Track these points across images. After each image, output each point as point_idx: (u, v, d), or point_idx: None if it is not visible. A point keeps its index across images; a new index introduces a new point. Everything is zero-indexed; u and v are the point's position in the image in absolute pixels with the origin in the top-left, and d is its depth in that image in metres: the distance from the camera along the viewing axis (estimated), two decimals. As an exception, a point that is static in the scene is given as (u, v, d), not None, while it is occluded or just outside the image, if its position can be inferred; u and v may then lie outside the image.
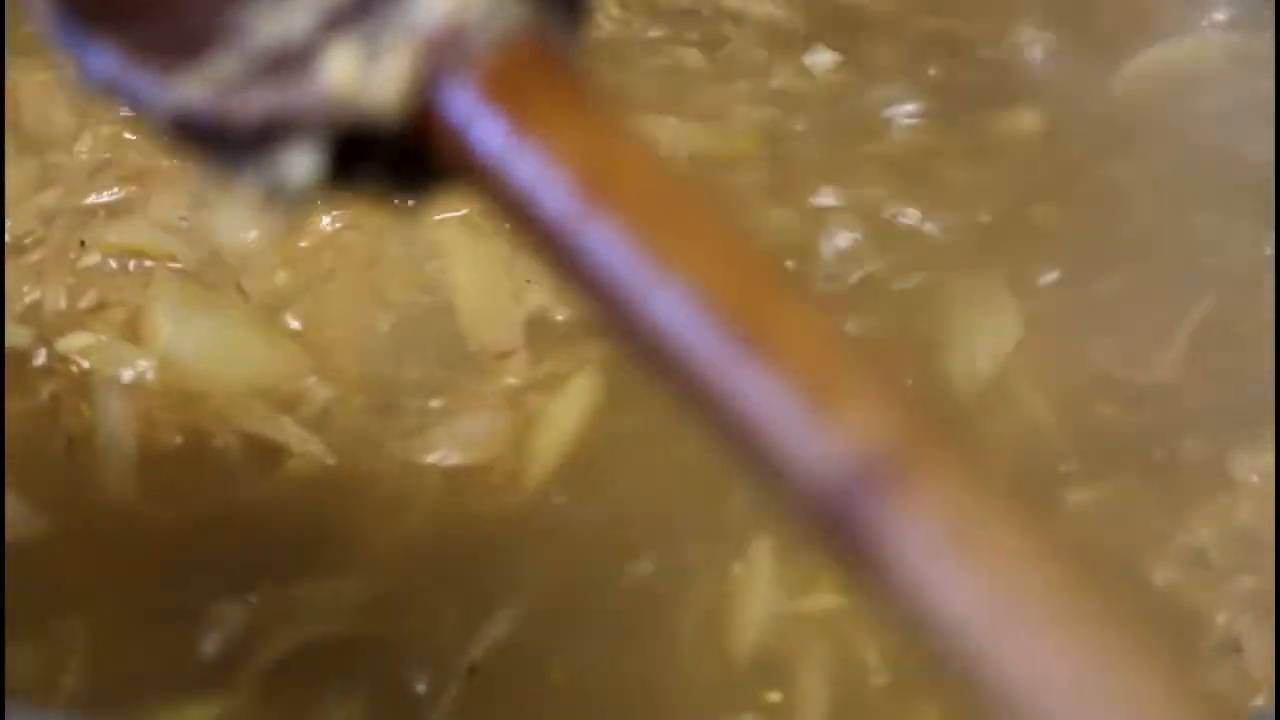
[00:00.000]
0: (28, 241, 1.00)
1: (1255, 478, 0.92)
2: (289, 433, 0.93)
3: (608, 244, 0.50)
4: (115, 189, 1.02)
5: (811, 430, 0.48)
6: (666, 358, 0.50)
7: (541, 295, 0.98)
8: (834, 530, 0.48)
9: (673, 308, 0.49)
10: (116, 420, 0.92)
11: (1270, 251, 1.05)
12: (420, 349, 0.97)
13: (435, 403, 0.94)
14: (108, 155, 1.04)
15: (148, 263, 0.99)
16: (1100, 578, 0.48)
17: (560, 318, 0.97)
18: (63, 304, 0.97)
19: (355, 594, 0.87)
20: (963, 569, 0.47)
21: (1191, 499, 0.92)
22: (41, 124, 1.05)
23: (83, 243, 0.99)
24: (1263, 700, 0.85)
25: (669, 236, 0.50)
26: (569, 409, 0.94)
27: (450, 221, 1.02)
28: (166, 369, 0.94)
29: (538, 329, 0.97)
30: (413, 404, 0.94)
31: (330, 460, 0.91)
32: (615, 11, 1.14)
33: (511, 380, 0.95)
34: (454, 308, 0.99)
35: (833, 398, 0.48)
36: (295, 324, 0.97)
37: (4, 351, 0.96)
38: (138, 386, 0.94)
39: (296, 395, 0.94)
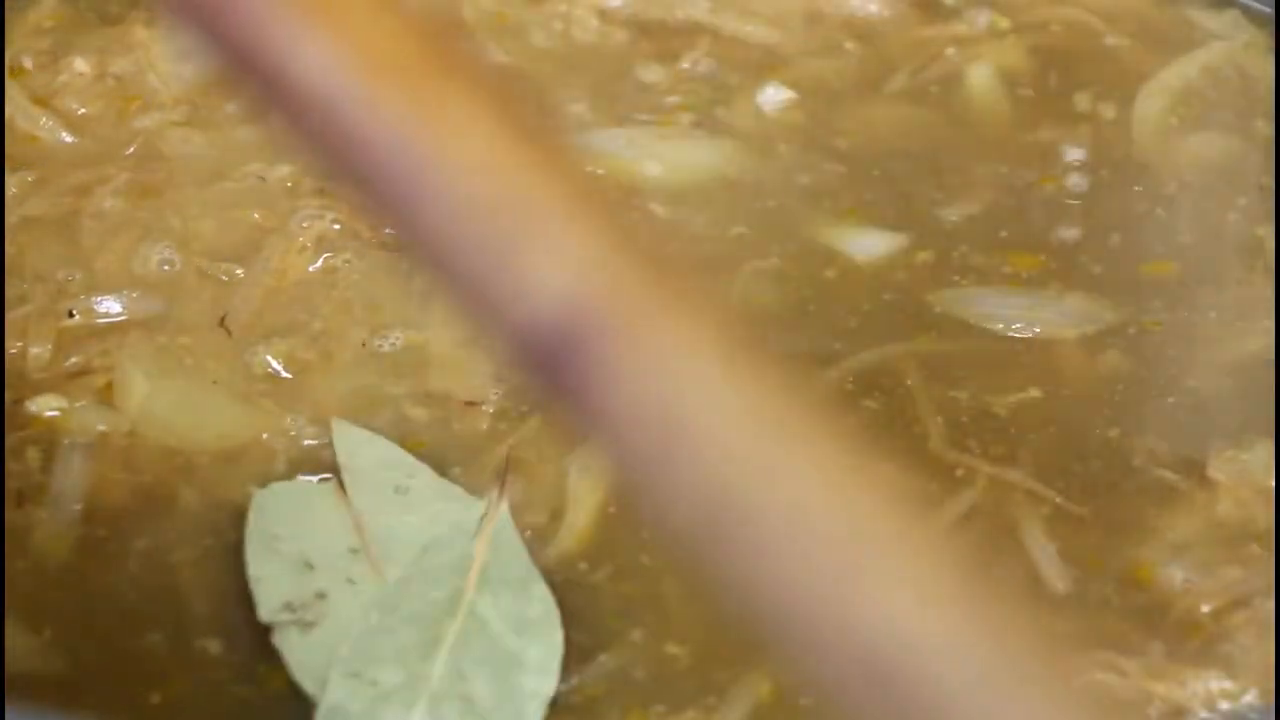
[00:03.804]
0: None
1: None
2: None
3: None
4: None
5: (514, 282, 0.47)
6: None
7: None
8: (545, 382, 0.48)
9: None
10: (73, 479, 0.92)
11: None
12: (397, 405, 0.96)
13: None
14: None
15: (125, 316, 1.00)
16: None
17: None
18: (45, 361, 0.98)
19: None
20: (673, 444, 0.46)
21: (1173, 498, 0.92)
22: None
23: (71, 313, 0.99)
24: (1254, 698, 0.84)
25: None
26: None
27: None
28: (140, 429, 0.94)
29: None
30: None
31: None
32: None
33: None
34: (430, 352, 0.99)
35: (536, 250, 0.47)
36: (275, 364, 0.97)
37: (3, 360, 0.96)
38: (101, 446, 0.94)
39: (264, 456, 0.94)
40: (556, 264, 0.47)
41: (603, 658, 0.86)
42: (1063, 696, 0.46)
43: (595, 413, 0.47)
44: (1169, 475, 0.93)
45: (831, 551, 0.47)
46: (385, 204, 0.48)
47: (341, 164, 0.49)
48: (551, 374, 0.47)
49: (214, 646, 0.87)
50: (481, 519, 0.89)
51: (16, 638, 0.86)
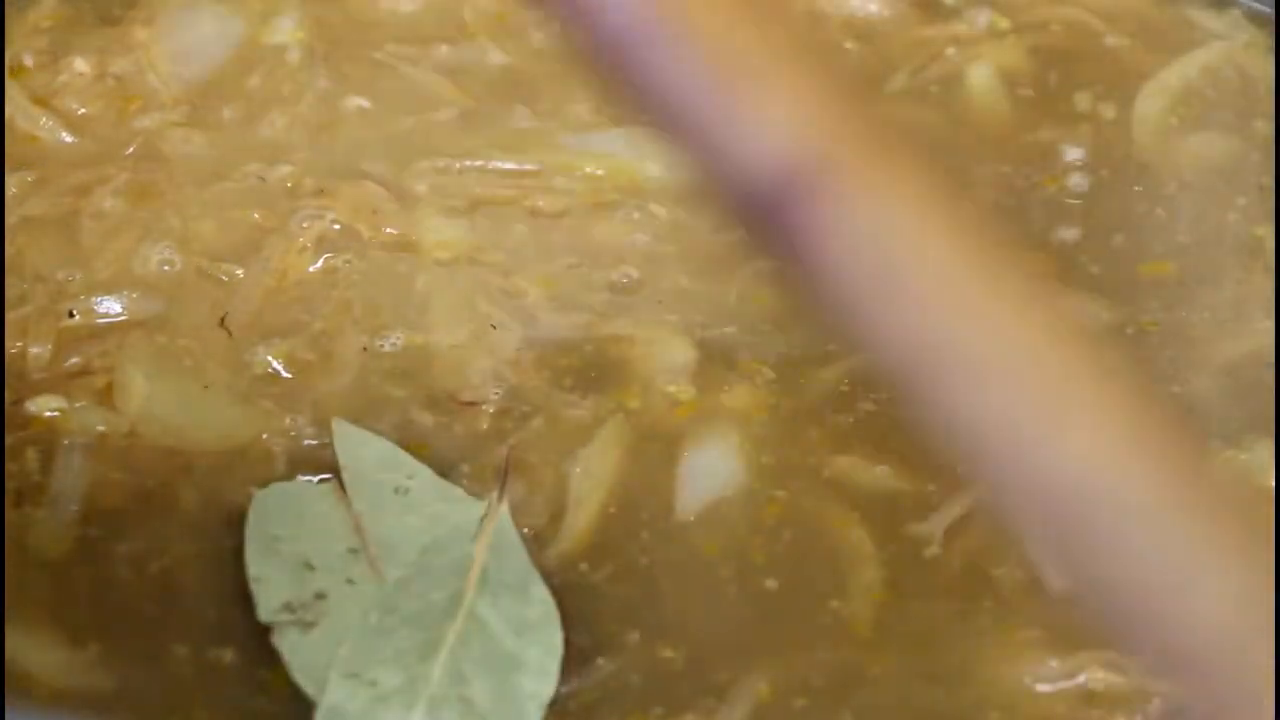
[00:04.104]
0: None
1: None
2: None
3: None
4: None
5: (739, 134, 0.49)
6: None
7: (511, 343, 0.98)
8: (769, 235, 0.50)
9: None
10: (72, 479, 0.92)
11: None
12: (398, 406, 0.96)
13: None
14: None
15: (125, 317, 1.00)
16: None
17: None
18: (45, 361, 0.98)
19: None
20: (890, 290, 0.49)
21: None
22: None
23: (72, 313, 1.00)
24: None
25: None
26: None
27: (432, 265, 1.02)
28: (140, 429, 0.94)
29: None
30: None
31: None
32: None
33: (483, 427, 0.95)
34: (431, 353, 0.99)
35: (759, 102, 0.49)
36: (276, 364, 0.97)
37: (3, 360, 0.96)
38: (101, 447, 0.94)
39: (264, 456, 0.94)
40: (781, 116, 0.49)
41: (602, 660, 0.86)
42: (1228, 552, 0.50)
43: (813, 259, 0.49)
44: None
45: (1032, 394, 0.49)
46: (620, 58, 0.50)
47: (575, 17, 0.50)
48: (772, 223, 0.49)
49: (214, 650, 0.87)
50: (481, 520, 0.89)
51: (58, 651, 0.86)
